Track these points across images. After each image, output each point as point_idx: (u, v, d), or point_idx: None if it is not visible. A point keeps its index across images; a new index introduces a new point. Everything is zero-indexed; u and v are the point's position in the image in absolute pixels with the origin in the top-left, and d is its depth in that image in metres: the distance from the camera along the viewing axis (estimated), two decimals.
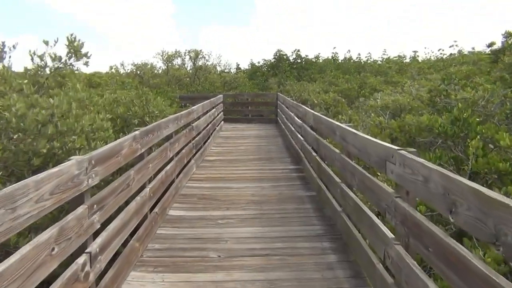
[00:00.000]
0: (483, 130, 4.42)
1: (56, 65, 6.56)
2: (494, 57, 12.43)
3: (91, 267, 2.65)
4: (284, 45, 54.07)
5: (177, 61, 22.62)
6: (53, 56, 6.47)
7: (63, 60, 6.66)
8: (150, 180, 4.44)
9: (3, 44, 5.53)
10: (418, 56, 26.20)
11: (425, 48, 44.91)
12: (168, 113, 6.44)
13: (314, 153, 6.29)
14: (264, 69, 26.12)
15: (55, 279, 2.26)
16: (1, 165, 3.35)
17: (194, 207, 5.48)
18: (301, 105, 8.76)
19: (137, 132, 3.92)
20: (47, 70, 6.50)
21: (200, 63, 22.72)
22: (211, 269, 3.66)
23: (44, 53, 6.44)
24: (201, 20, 54.66)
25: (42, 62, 6.38)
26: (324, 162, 5.58)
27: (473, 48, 23.12)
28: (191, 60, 22.73)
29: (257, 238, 4.37)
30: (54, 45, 6.33)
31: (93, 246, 2.73)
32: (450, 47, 26.97)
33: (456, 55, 21.98)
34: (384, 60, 25.64)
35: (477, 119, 4.70)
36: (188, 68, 22.84)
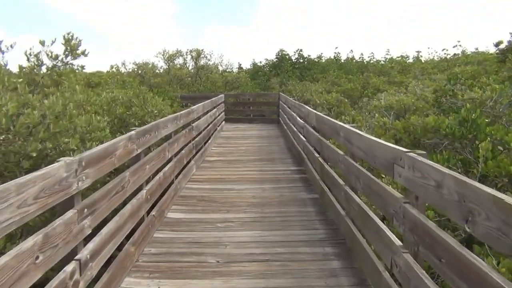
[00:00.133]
0: (492, 132, 4.26)
1: (52, 64, 6.41)
2: (502, 56, 12.23)
3: (81, 274, 2.50)
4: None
5: (179, 61, 22.49)
6: (49, 54, 6.33)
7: (60, 58, 6.52)
8: (147, 182, 4.30)
9: None
10: (421, 56, 26.02)
11: (429, 48, 44.74)
12: (167, 112, 6.29)
13: (316, 154, 6.13)
14: (266, 69, 25.97)
15: None
16: None
17: (193, 210, 5.33)
18: (303, 105, 8.61)
19: (133, 132, 3.78)
20: (44, 69, 6.35)
21: (201, 62, 22.57)
22: (209, 275, 3.51)
23: (40, 51, 6.30)
24: (201, 20, 54.59)
25: (39, 61, 6.24)
26: (327, 164, 5.43)
27: (476, 48, 22.98)
28: (193, 60, 22.58)
29: (257, 243, 4.21)
30: (51, 44, 6.19)
31: (84, 253, 2.58)
32: (454, 47, 26.81)
33: (459, 55, 21.79)
34: (387, 60, 25.45)
35: (486, 120, 4.53)
36: (190, 68, 22.70)
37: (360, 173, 3.52)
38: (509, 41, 12.73)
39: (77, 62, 6.97)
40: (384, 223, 3.27)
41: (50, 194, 2.16)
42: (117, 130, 6.02)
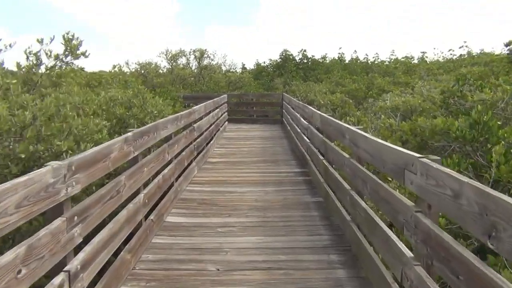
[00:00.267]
0: (505, 135, 4.08)
1: (51, 63, 6.30)
2: None
3: (70, 287, 2.34)
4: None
5: (182, 61, 22.33)
6: (48, 53, 6.20)
7: (60, 58, 6.40)
8: (145, 185, 4.14)
9: None
10: (426, 57, 25.78)
11: (434, 48, 44.47)
12: (167, 113, 6.13)
13: (321, 157, 5.96)
14: (270, 69, 25.81)
15: None
16: None
17: (193, 213, 5.17)
18: (307, 105, 8.43)
19: (129, 133, 3.61)
20: (43, 68, 6.24)
21: (205, 62, 22.41)
22: (208, 284, 3.35)
23: (40, 50, 6.18)
24: (202, 20, 54.52)
25: (38, 60, 6.12)
26: (332, 166, 5.26)
27: (482, 49, 22.72)
28: (196, 60, 22.42)
29: (259, 249, 4.05)
30: (50, 42, 6.07)
31: (74, 263, 2.42)
32: (460, 47, 26.51)
33: (465, 56, 21.55)
34: (392, 60, 25.22)
35: (498, 123, 4.35)
36: (193, 68, 22.55)
37: (367, 177, 3.35)
38: None
39: (78, 63, 6.85)
40: (392, 230, 3.11)
41: (34, 202, 2.01)
42: (117, 131, 5.87)
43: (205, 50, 22.00)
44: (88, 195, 3.12)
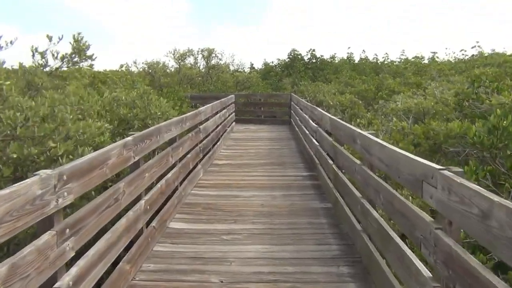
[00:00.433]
0: None
1: (57, 65, 6.20)
2: None
3: None
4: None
5: (190, 60, 22.20)
6: (54, 54, 6.10)
7: (67, 58, 6.30)
8: (146, 191, 3.97)
9: None
10: (437, 57, 25.39)
11: (446, 48, 44.06)
12: (171, 115, 5.96)
13: (330, 161, 5.75)
14: (278, 69, 25.60)
15: None
16: None
17: (197, 219, 5.00)
18: (316, 107, 8.22)
19: (129, 138, 3.44)
20: (47, 69, 6.14)
21: (213, 62, 22.27)
22: None
23: (46, 50, 6.07)
24: (210, 19, 54.46)
25: (43, 60, 6.02)
26: (342, 172, 5.05)
27: (493, 50, 22.31)
28: (204, 59, 22.29)
29: (266, 259, 3.86)
30: (57, 43, 5.98)
31: (65, 280, 2.25)
32: (472, 47, 26.05)
33: (477, 57, 21.16)
34: (402, 61, 24.88)
35: None
36: (201, 67, 22.41)
37: (381, 187, 3.14)
38: None
39: (84, 64, 6.78)
40: (405, 243, 2.91)
41: (18, 217, 1.84)
42: (120, 133, 5.72)
43: (213, 49, 21.88)
44: (89, 200, 2.97)
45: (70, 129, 3.30)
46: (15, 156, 2.78)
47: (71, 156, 3.55)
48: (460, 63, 20.15)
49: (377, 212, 3.51)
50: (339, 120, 5.32)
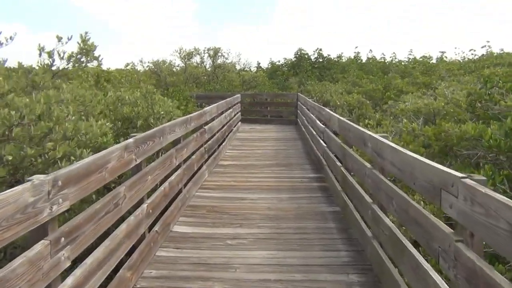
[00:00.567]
0: None
1: (63, 65, 6.15)
2: None
3: None
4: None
5: (196, 59, 22.08)
6: (61, 54, 6.04)
7: (74, 57, 6.24)
8: (149, 195, 3.84)
9: None
10: (445, 57, 25.10)
11: (456, 48, 43.77)
12: (176, 114, 5.83)
13: (338, 163, 5.59)
14: (285, 68, 25.44)
15: None
16: None
17: (202, 222, 4.86)
18: (324, 108, 8.05)
19: (131, 140, 3.31)
20: (53, 68, 6.08)
21: (219, 61, 22.14)
22: None
23: (54, 49, 6.01)
24: (217, 18, 54.46)
25: (49, 60, 5.96)
26: (351, 174, 4.90)
27: (502, 49, 22.00)
28: (210, 58, 22.16)
29: (272, 266, 3.72)
30: (65, 43, 5.93)
31: None
32: (482, 47, 25.69)
33: (486, 56, 20.87)
34: (410, 60, 24.61)
35: None
36: (207, 66, 22.28)
37: (394, 193, 2.98)
38: None
39: (92, 64, 6.74)
40: (419, 251, 2.75)
41: (8, 227, 1.71)
42: (124, 133, 5.60)
43: (219, 48, 21.75)
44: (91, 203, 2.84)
45: (67, 129, 3.16)
46: (10, 158, 2.65)
47: (72, 158, 3.44)
48: (469, 63, 19.86)
49: (387, 217, 3.36)
50: (348, 121, 5.16)
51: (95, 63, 6.53)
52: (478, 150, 4.96)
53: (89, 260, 2.48)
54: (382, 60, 25.73)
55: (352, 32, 51.47)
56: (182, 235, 4.44)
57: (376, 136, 3.61)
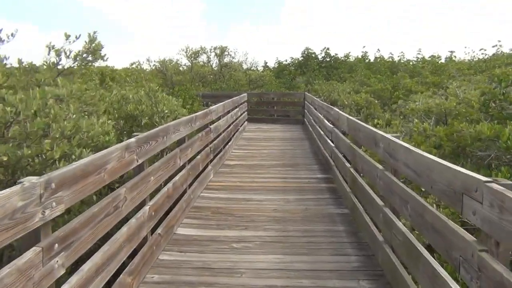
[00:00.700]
0: None
1: (70, 63, 6.09)
2: None
3: None
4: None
5: (202, 58, 21.95)
6: (67, 53, 5.99)
7: (80, 55, 6.19)
8: (151, 196, 3.70)
9: None
10: (455, 56, 24.78)
11: (465, 47, 43.42)
12: (181, 113, 5.69)
13: (347, 164, 5.43)
14: (292, 67, 25.26)
15: None
16: None
17: (206, 224, 4.73)
18: (332, 107, 7.88)
19: (132, 139, 3.17)
20: (59, 67, 6.03)
21: (225, 60, 22.00)
22: None
23: (61, 48, 5.95)
24: (225, 18, 54.46)
25: (56, 58, 5.90)
26: (360, 175, 4.74)
27: (510, 49, 21.67)
28: (217, 57, 22.02)
29: (279, 271, 3.57)
30: (73, 42, 5.87)
31: None
32: (493, 46, 25.32)
33: (497, 55, 20.55)
34: (419, 60, 24.32)
35: None
36: (214, 66, 22.15)
37: (409, 197, 2.82)
38: None
39: (98, 63, 6.70)
40: (434, 257, 2.60)
41: None
42: (128, 132, 5.48)
43: (226, 47, 21.60)
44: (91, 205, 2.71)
45: (66, 127, 3.03)
46: (5, 158, 2.53)
47: (74, 157, 3.31)
48: (480, 63, 19.57)
49: (399, 220, 3.20)
50: (358, 121, 5.00)
51: (101, 62, 6.48)
52: (492, 151, 4.78)
53: (86, 267, 2.34)
54: (390, 59, 25.47)
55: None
56: (186, 238, 4.30)
57: (389, 136, 3.45)
